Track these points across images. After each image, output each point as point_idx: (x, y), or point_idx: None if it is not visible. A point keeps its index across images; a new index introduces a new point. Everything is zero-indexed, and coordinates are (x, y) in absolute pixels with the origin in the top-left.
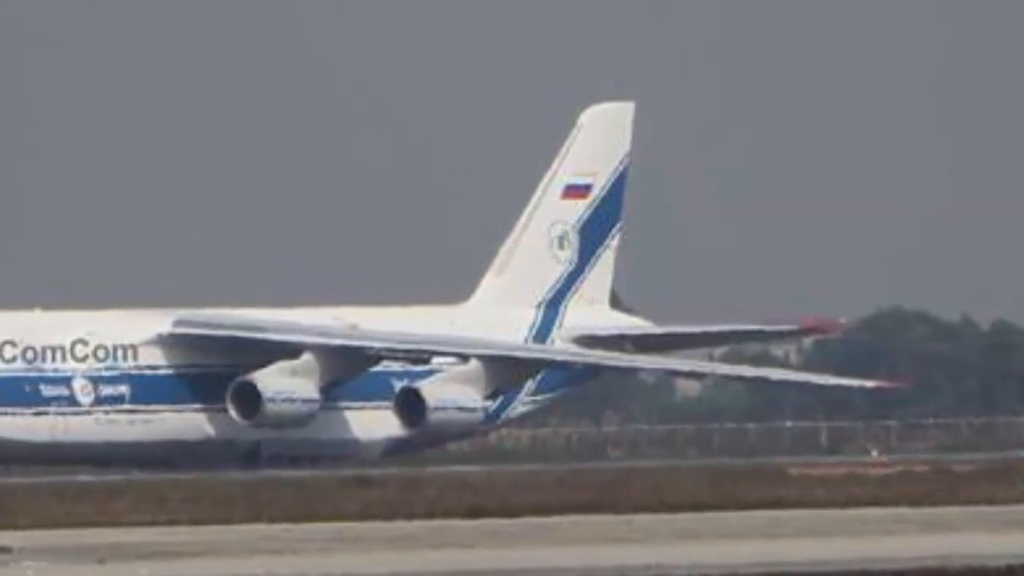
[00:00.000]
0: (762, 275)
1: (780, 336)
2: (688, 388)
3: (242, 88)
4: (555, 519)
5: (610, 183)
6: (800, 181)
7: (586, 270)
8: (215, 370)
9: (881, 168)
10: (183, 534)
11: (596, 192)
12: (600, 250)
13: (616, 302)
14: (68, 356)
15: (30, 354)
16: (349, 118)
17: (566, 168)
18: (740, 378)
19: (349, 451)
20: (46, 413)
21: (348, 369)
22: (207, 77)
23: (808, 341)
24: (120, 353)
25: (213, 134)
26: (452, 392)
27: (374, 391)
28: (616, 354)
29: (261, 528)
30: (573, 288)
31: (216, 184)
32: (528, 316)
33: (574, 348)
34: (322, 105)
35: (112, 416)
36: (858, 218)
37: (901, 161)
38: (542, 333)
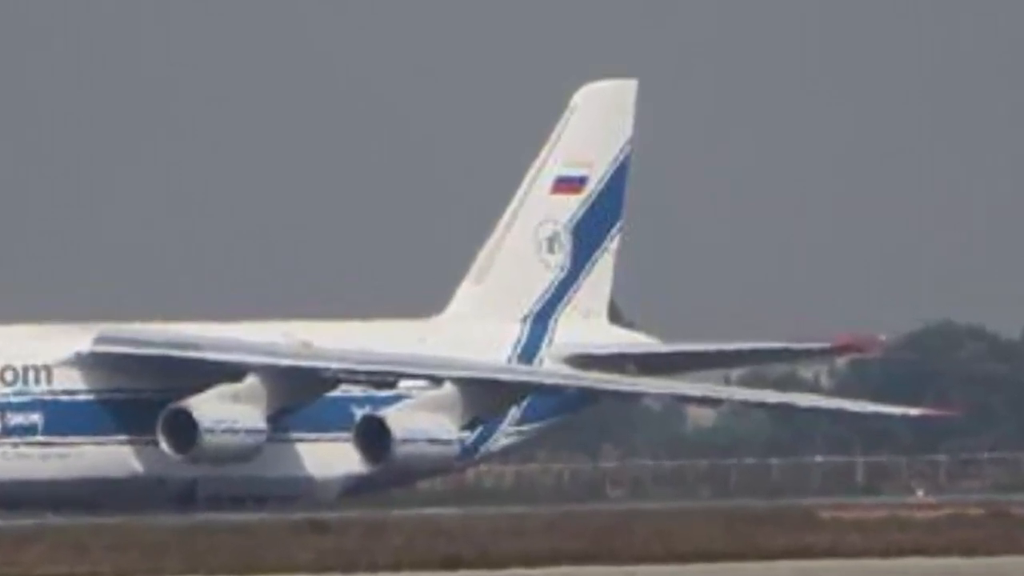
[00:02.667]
0: (788, 284)
1: (809, 355)
2: (701, 417)
3: (170, 76)
4: (544, 571)
5: (608, 175)
6: (834, 174)
7: (580, 277)
8: (143, 395)
9: (928, 161)
10: None
11: (592, 185)
12: (597, 254)
13: (616, 315)
14: None
15: None
16: (297, 94)
17: (557, 157)
18: (762, 405)
19: (301, 491)
20: None
21: (300, 394)
22: (133, 73)
23: (842, 362)
24: (31, 376)
25: (143, 128)
26: (422, 421)
27: (330, 420)
28: (616, 376)
29: None
30: (565, 299)
31: (143, 181)
32: (512, 332)
33: (566, 369)
34: (261, 76)
35: (22, 450)
36: (902, 218)
37: (951, 154)
38: (529, 351)
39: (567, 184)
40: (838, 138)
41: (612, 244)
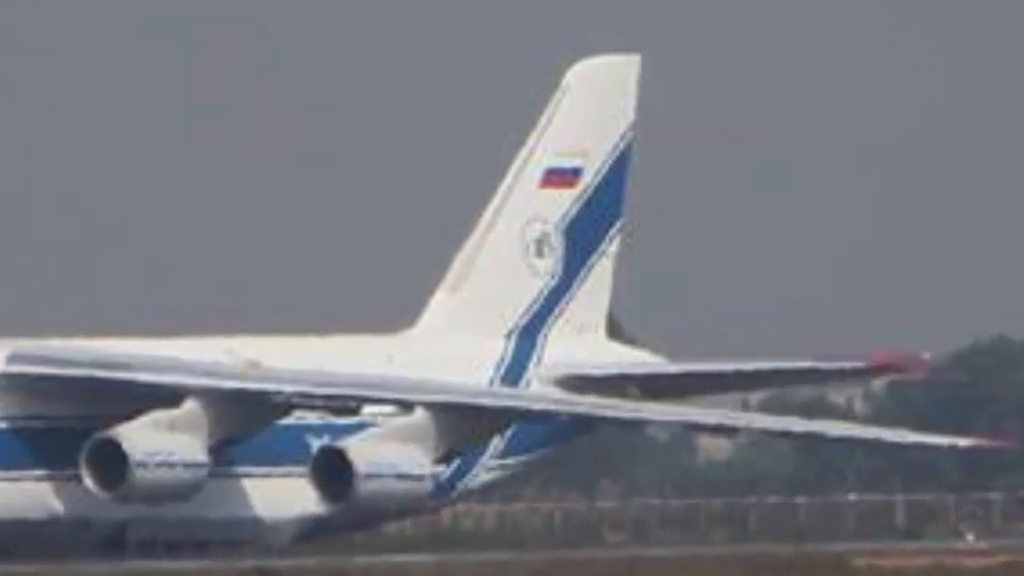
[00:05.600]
0: (816, 294)
1: (841, 377)
2: (714, 448)
3: (107, 78)
4: None
5: (606, 166)
6: (870, 166)
7: (574, 286)
8: (64, 423)
9: (979, 154)
10: None
11: (587, 179)
12: (593, 258)
13: (615, 330)
14: None
15: None
16: (244, 71)
17: (546, 146)
18: (786, 434)
19: (248, 535)
20: None
21: (246, 422)
22: (61, 75)
23: (879, 384)
24: None
25: (66, 124)
26: (390, 454)
27: (283, 452)
28: (615, 401)
29: None
30: (556, 311)
31: (64, 176)
32: (494, 349)
33: (558, 393)
34: (209, 66)
35: None
36: (947, 218)
37: (1005, 147)
38: (514, 372)
39: (558, 177)
40: (873, 127)
41: (611, 247)
